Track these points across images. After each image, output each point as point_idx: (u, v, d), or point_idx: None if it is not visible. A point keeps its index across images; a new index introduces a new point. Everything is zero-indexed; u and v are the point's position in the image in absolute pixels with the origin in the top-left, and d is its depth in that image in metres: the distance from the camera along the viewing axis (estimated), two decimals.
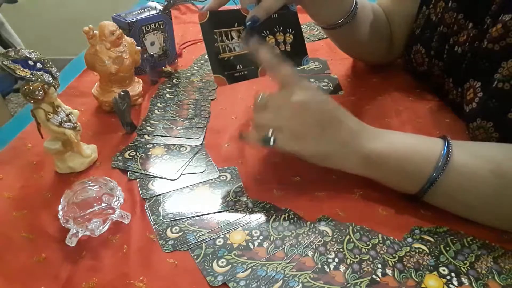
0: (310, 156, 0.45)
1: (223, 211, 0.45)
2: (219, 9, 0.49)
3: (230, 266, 0.39)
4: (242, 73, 0.47)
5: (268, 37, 0.50)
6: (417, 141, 0.44)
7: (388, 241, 0.41)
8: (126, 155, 0.54)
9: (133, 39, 0.65)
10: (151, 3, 0.76)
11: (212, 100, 0.68)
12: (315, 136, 0.44)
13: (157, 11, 0.73)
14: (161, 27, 0.74)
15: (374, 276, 0.37)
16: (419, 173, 0.42)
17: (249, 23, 0.48)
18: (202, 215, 0.45)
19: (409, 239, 0.41)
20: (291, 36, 0.52)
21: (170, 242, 0.42)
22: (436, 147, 0.42)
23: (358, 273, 0.38)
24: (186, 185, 0.49)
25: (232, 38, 0.47)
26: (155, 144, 0.56)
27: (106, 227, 0.43)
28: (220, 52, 0.46)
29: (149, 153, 0.55)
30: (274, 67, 0.46)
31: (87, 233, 0.42)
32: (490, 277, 0.37)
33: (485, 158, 0.41)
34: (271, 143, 0.44)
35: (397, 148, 0.43)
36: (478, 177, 0.40)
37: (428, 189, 0.41)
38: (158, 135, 0.58)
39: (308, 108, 0.44)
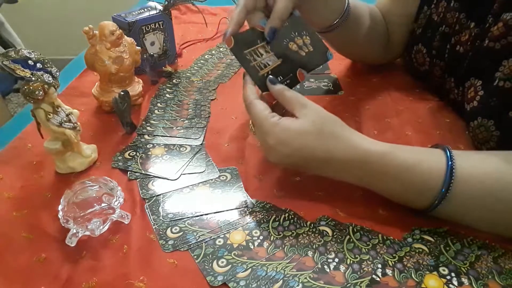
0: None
1: (223, 211, 0.45)
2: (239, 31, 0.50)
3: (230, 266, 0.39)
4: (285, 83, 0.48)
5: (290, 44, 0.51)
6: (418, 165, 0.41)
7: (388, 241, 0.41)
8: (126, 155, 0.54)
9: (133, 39, 0.65)
10: (151, 3, 0.76)
11: (212, 100, 0.68)
12: (313, 169, 0.45)
13: (157, 11, 0.73)
14: (161, 27, 0.74)
15: (374, 276, 0.37)
16: (424, 195, 0.41)
17: (269, 35, 0.49)
18: (202, 215, 0.45)
19: (409, 239, 0.41)
20: (307, 37, 0.53)
21: (170, 242, 0.42)
22: (438, 166, 0.40)
23: (358, 273, 0.38)
24: (186, 185, 0.49)
25: (262, 55, 0.48)
26: (155, 144, 0.56)
27: (106, 227, 0.43)
28: (259, 70, 0.47)
29: (149, 153, 0.55)
30: (247, 109, 0.46)
31: (87, 233, 0.42)
32: (490, 277, 0.37)
33: (487, 173, 0.40)
34: None
35: (397, 177, 0.41)
36: (479, 198, 0.39)
37: (434, 208, 0.40)
38: (158, 135, 0.58)
39: (288, 153, 0.43)
